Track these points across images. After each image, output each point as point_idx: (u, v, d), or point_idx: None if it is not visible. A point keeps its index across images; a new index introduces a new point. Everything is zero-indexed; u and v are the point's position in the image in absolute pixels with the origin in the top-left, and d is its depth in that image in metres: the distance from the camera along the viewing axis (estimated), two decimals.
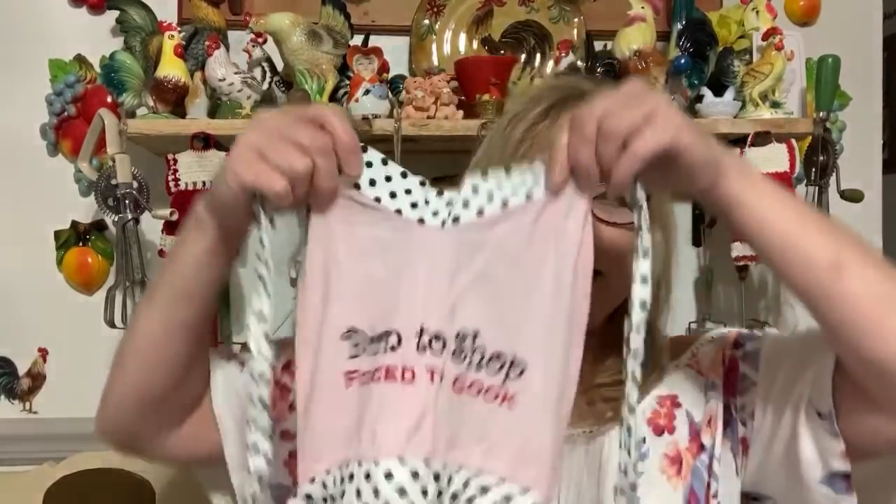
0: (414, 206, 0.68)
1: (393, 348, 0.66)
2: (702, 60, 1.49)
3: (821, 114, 1.48)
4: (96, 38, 1.56)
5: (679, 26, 1.51)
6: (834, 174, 1.50)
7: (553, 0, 1.59)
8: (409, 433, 0.64)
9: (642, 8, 1.46)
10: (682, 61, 1.46)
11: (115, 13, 1.53)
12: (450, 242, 0.67)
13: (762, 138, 1.43)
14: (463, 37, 1.59)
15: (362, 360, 0.66)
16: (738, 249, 1.44)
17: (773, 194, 0.68)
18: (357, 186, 0.67)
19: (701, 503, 0.80)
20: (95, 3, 1.56)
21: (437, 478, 0.64)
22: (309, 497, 0.66)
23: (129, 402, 0.78)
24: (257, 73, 1.47)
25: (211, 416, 0.83)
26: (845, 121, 1.66)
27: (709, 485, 0.80)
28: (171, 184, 1.41)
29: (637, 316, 0.65)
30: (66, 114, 1.55)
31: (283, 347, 0.73)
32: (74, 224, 1.56)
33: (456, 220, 0.68)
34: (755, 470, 0.81)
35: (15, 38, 1.56)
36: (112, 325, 1.46)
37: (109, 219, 1.47)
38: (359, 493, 0.64)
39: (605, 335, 0.82)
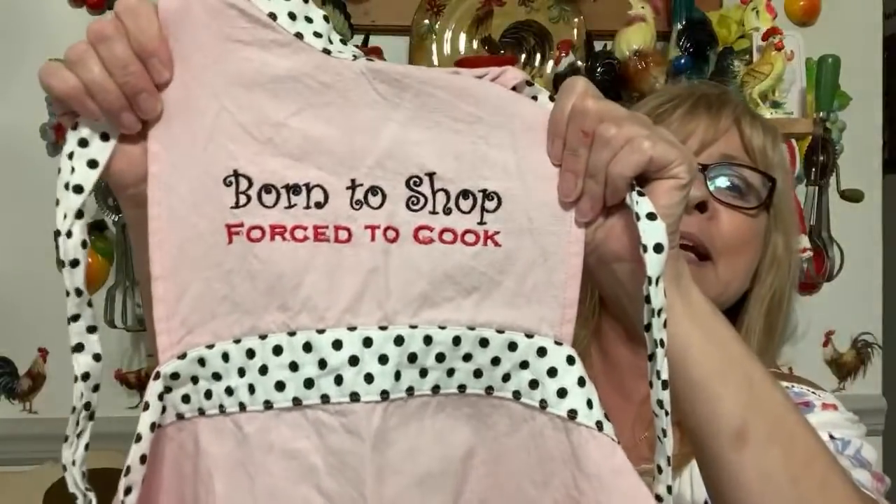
0: (318, 35, 0.54)
1: (319, 205, 0.55)
2: (702, 60, 1.49)
3: (821, 114, 1.48)
4: None
5: (679, 26, 1.51)
6: (834, 174, 1.51)
7: (553, 0, 1.59)
8: (354, 299, 0.55)
9: (642, 8, 1.47)
10: (683, 61, 1.47)
11: None
12: (366, 78, 0.55)
13: None
14: (463, 37, 1.59)
15: (250, 211, 0.54)
16: None
17: (705, 317, 0.59)
18: None
19: None
20: (95, 3, 1.56)
21: (399, 342, 0.55)
22: (174, 376, 0.55)
23: None
24: None
25: None
26: (845, 121, 1.66)
27: None
28: None
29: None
30: None
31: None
32: None
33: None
34: None
35: (15, 38, 1.56)
36: (112, 324, 1.46)
37: (109, 219, 1.47)
38: (294, 366, 0.55)
39: None
